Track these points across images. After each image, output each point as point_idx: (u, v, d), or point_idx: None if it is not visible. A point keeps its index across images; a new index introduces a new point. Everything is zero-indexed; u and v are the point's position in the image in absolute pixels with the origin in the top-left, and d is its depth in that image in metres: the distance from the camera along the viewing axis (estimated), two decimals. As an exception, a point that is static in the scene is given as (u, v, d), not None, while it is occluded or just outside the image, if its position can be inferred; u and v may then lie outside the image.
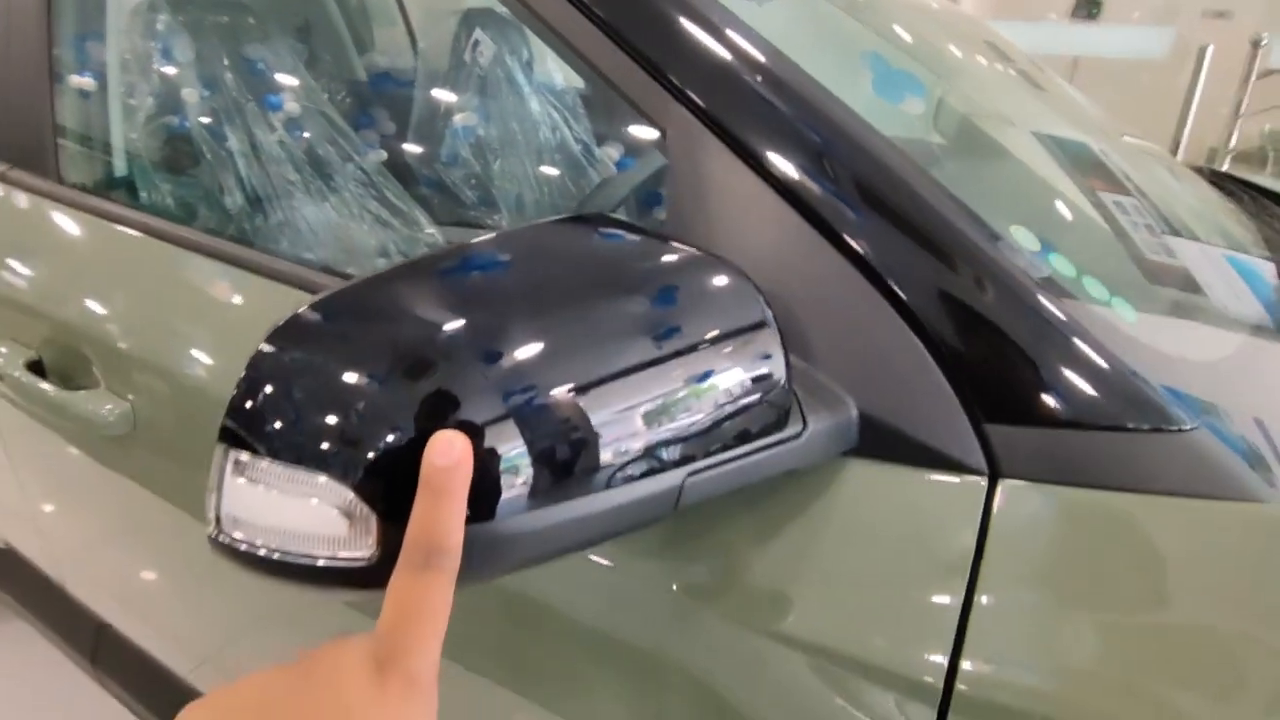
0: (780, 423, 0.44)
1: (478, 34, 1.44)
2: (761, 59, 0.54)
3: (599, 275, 0.42)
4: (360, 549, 0.36)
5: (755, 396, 0.43)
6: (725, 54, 0.54)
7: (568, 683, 0.60)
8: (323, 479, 0.36)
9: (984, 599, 0.44)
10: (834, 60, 0.83)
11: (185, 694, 1.00)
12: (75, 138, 1.04)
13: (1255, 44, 3.38)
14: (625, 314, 0.41)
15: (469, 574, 0.37)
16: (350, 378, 0.36)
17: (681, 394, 0.41)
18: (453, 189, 1.40)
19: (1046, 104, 1.07)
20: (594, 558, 0.55)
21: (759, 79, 0.53)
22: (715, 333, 0.42)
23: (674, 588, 0.52)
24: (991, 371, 0.48)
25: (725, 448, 0.43)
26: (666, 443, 0.41)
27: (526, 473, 0.38)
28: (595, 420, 0.39)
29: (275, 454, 0.36)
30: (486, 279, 0.41)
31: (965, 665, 0.44)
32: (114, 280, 0.88)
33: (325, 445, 0.36)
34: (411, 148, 1.44)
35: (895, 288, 0.49)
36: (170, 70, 1.16)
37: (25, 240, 0.97)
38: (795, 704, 0.48)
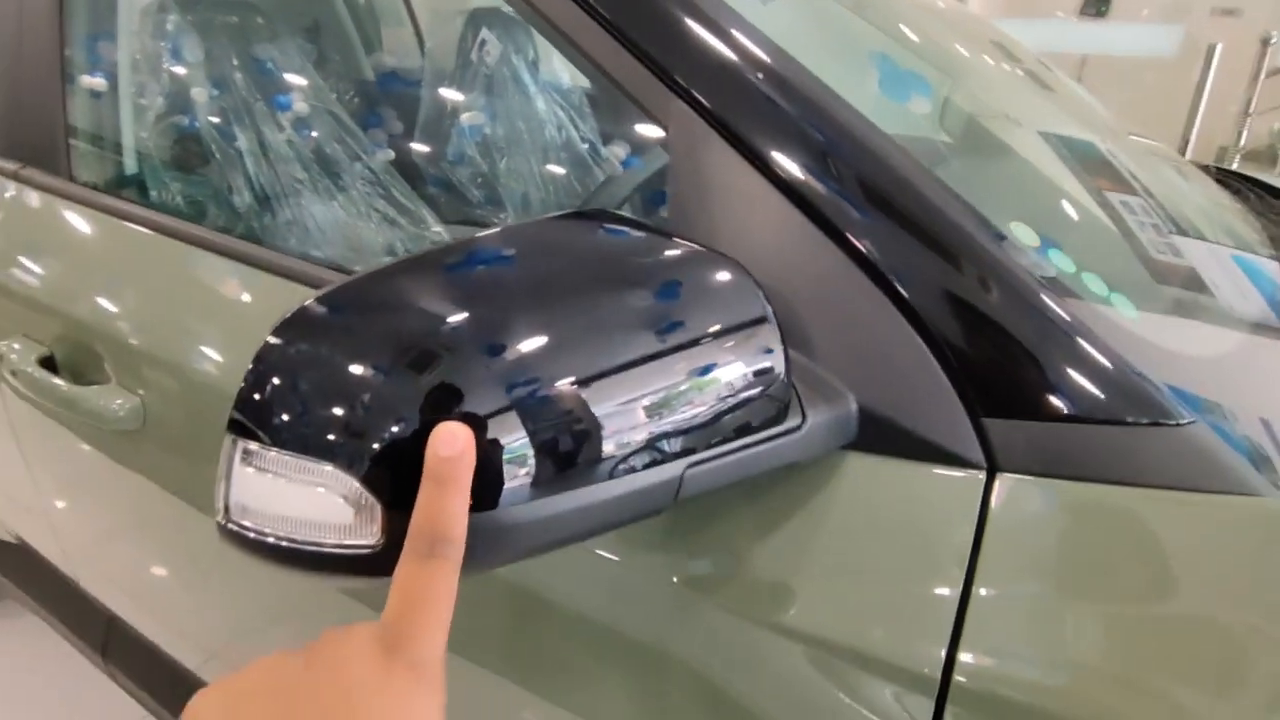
0: (779, 416, 0.45)
1: (484, 34, 1.44)
2: (761, 56, 0.55)
3: (600, 270, 0.43)
4: (365, 537, 0.37)
5: (755, 390, 0.44)
6: (724, 50, 0.55)
7: (570, 676, 0.60)
8: (329, 468, 0.36)
9: (982, 592, 0.45)
10: (839, 59, 0.83)
11: (194, 687, 1.00)
12: (86, 137, 1.05)
13: (1265, 42, 3.37)
14: (626, 308, 0.42)
15: (472, 563, 0.37)
16: (356, 369, 0.37)
17: (681, 387, 0.41)
18: (459, 188, 1.41)
19: (1053, 103, 1.07)
20: (595, 550, 0.55)
21: (758, 75, 0.54)
22: (715, 327, 0.43)
23: (674, 580, 0.53)
24: (990, 366, 0.48)
25: (724, 440, 0.43)
26: (666, 435, 0.41)
27: (528, 463, 0.38)
28: (596, 412, 0.39)
29: (282, 444, 0.37)
30: (490, 273, 0.42)
31: (963, 657, 0.44)
32: (125, 277, 0.89)
33: (331, 435, 0.36)
34: (418, 147, 1.45)
35: (894, 283, 0.49)
36: (180, 70, 1.17)
37: (38, 238, 0.98)
38: (794, 695, 0.49)
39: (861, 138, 0.53)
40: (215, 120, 1.14)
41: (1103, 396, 0.47)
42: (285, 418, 0.37)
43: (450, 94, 1.47)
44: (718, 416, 0.43)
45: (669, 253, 0.45)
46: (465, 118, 1.44)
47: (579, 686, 0.60)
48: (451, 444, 0.35)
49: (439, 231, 1.19)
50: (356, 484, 0.36)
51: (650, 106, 0.56)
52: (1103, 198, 0.80)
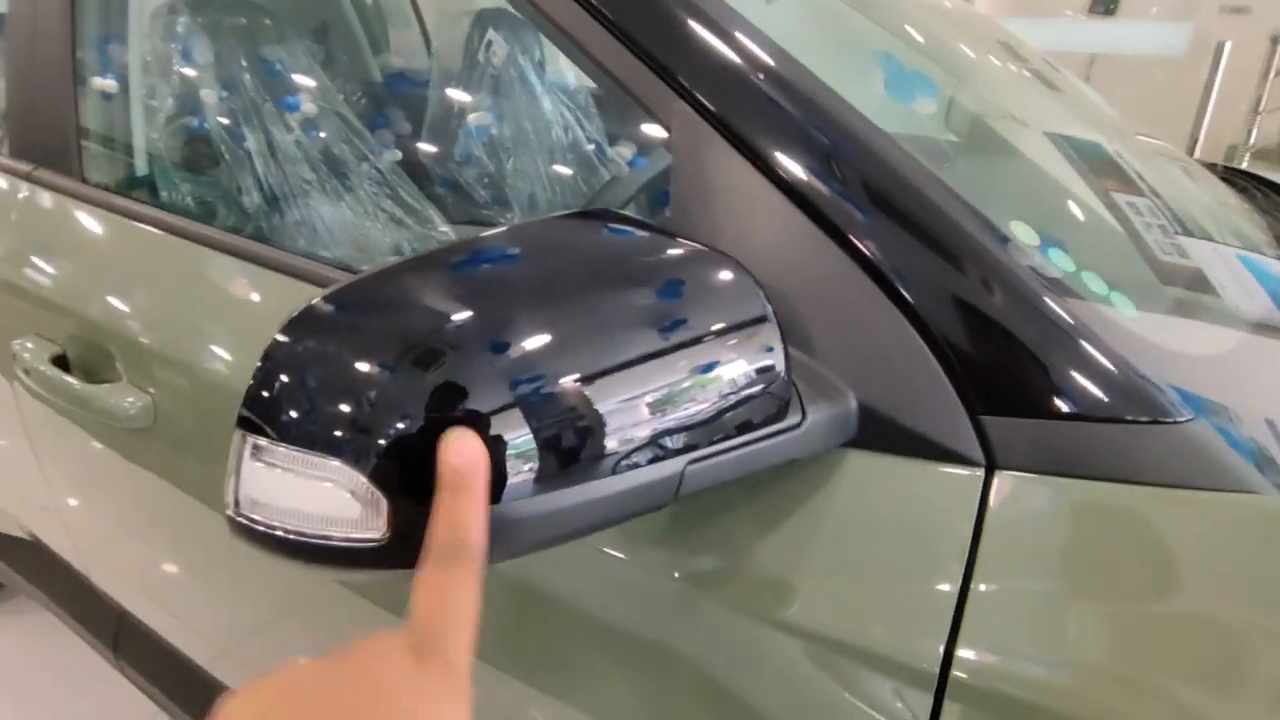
0: (779, 414, 0.45)
1: (490, 34, 1.45)
2: (761, 57, 0.55)
3: (603, 269, 0.44)
4: (372, 530, 0.38)
5: (755, 388, 0.44)
6: (726, 51, 0.55)
7: (573, 671, 0.61)
8: (336, 463, 0.37)
9: (980, 588, 0.45)
10: (844, 59, 0.84)
11: (204, 683, 1.02)
12: (98, 138, 1.06)
13: (1274, 40, 3.35)
14: (628, 307, 0.42)
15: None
16: (362, 366, 0.38)
17: (682, 385, 0.42)
18: (466, 188, 1.42)
19: (1059, 103, 1.07)
20: (597, 547, 0.56)
21: (760, 76, 0.54)
22: (716, 326, 0.43)
23: (676, 576, 0.53)
24: (989, 365, 0.48)
25: (725, 437, 0.44)
26: (667, 431, 0.42)
27: (531, 459, 0.39)
28: (598, 409, 0.40)
29: (290, 440, 0.38)
30: (494, 272, 0.43)
31: (961, 653, 0.45)
32: (135, 277, 0.90)
33: (338, 431, 0.37)
34: (425, 147, 1.46)
35: (894, 283, 0.50)
36: (190, 72, 1.19)
37: (50, 239, 1.00)
38: (794, 690, 0.49)
39: (861, 138, 0.53)
40: (224, 121, 1.15)
41: (1101, 395, 0.47)
42: (293, 414, 0.38)
43: (457, 95, 1.48)
44: (718, 414, 0.43)
45: (671, 252, 0.46)
46: (472, 118, 1.45)
47: (581, 681, 0.61)
48: (462, 450, 0.36)
49: (446, 231, 1.20)
50: (363, 479, 0.37)
51: (653, 107, 0.57)
52: (1109, 198, 0.80)
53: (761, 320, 0.45)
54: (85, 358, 0.92)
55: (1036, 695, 0.43)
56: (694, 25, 0.56)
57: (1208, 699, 0.41)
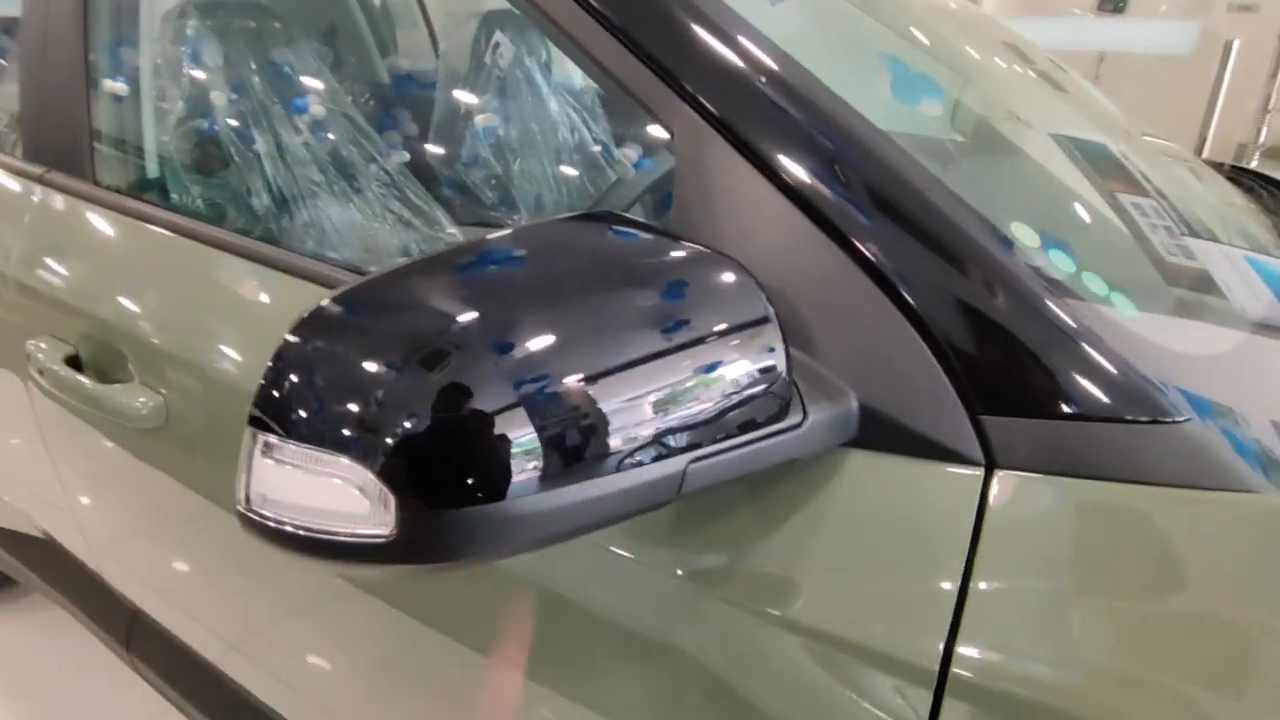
0: (781, 413, 0.46)
1: (498, 36, 1.46)
2: (764, 60, 0.56)
3: (606, 270, 0.45)
4: (379, 526, 0.38)
5: (756, 388, 0.45)
6: (727, 55, 0.56)
7: (576, 667, 0.62)
8: (344, 461, 0.38)
9: (980, 586, 0.46)
10: (849, 62, 0.84)
11: (215, 679, 1.04)
12: (110, 141, 1.08)
13: (1284, 38, 3.32)
14: (631, 308, 0.43)
15: (483, 552, 0.39)
16: (370, 366, 0.39)
17: (684, 385, 0.43)
18: (473, 189, 1.43)
19: (1065, 104, 1.07)
20: (601, 545, 0.57)
21: (762, 79, 0.55)
22: (717, 327, 0.44)
23: (679, 573, 0.54)
24: (989, 365, 0.49)
25: (726, 436, 0.44)
26: (669, 430, 0.42)
27: (536, 457, 0.40)
28: (601, 408, 0.41)
29: (300, 437, 0.38)
30: (499, 273, 0.44)
31: (961, 651, 0.45)
32: (147, 278, 0.92)
33: (346, 430, 0.38)
34: (433, 149, 1.47)
35: (895, 283, 0.50)
36: (200, 75, 1.20)
37: (63, 240, 1.01)
38: (795, 687, 0.50)
39: (862, 141, 0.54)
40: (234, 123, 1.16)
41: (1101, 395, 0.48)
42: (303, 412, 0.38)
43: (464, 96, 1.49)
44: (720, 413, 0.44)
45: (673, 254, 0.46)
46: (479, 120, 1.46)
47: (586, 678, 0.61)
48: None
49: (453, 233, 1.21)
50: (371, 476, 0.38)
51: (656, 110, 0.57)
52: (1114, 200, 0.80)
53: (763, 321, 0.45)
54: (98, 358, 0.93)
55: (1036, 693, 0.43)
56: (696, 28, 0.57)
57: (1207, 697, 0.41)
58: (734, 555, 0.52)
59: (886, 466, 0.50)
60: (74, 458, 1.07)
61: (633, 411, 0.42)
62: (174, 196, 1.11)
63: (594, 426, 0.41)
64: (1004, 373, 0.49)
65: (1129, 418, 0.47)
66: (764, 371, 0.45)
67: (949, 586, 0.46)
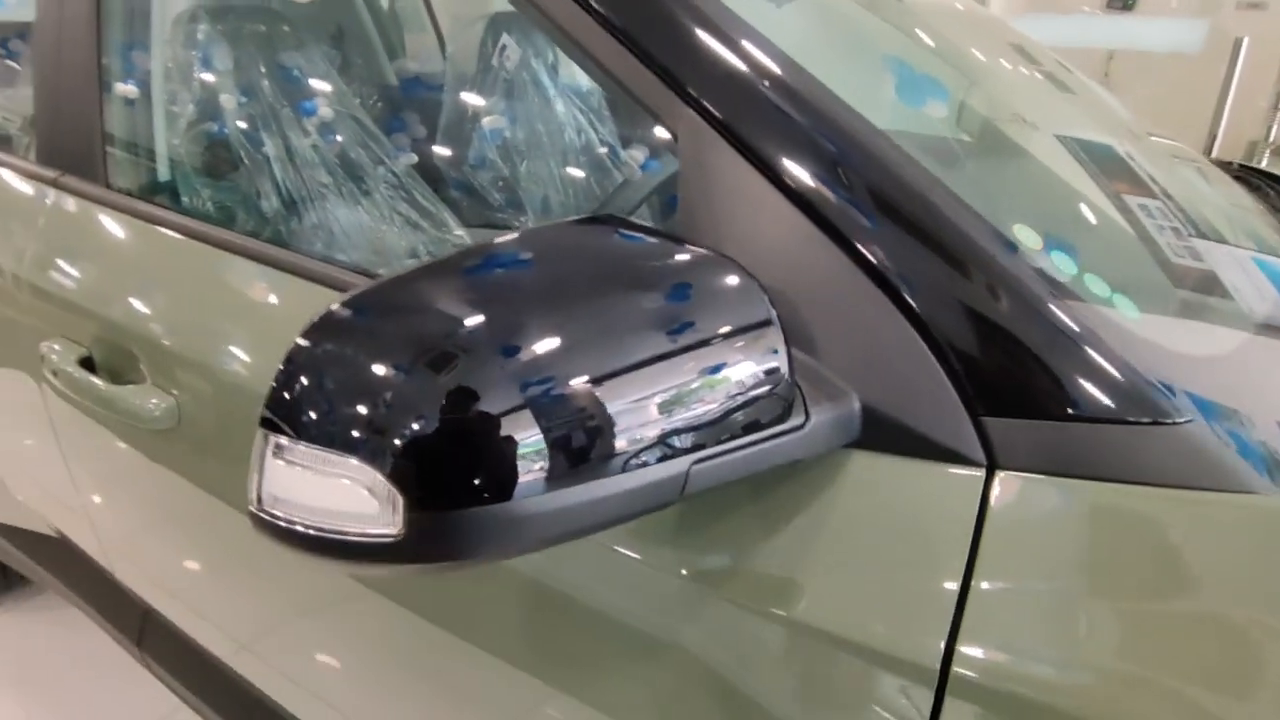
0: (783, 415, 0.47)
1: (504, 39, 1.47)
2: (767, 64, 0.56)
3: (610, 274, 0.45)
4: (388, 526, 0.39)
5: (759, 390, 0.45)
6: (730, 59, 0.56)
7: (580, 665, 0.62)
8: (354, 462, 0.39)
9: (980, 586, 0.46)
10: (854, 64, 0.84)
11: (226, 677, 1.05)
12: (122, 144, 1.09)
13: (1295, 36, 3.30)
14: (634, 311, 0.44)
15: (490, 552, 0.40)
16: (378, 369, 0.39)
17: (687, 387, 0.43)
18: (480, 191, 1.44)
19: (1071, 105, 1.07)
20: (607, 545, 0.57)
21: (764, 83, 0.56)
22: (720, 329, 0.45)
23: (683, 573, 0.54)
24: (990, 366, 0.49)
25: (730, 437, 0.45)
26: (672, 432, 0.43)
27: (542, 458, 0.40)
28: (605, 410, 0.41)
29: (311, 439, 0.39)
30: (505, 277, 0.44)
31: (962, 650, 0.45)
32: (158, 281, 0.93)
33: (356, 431, 0.39)
34: (440, 151, 1.48)
35: (897, 286, 0.51)
36: (210, 78, 1.21)
37: (76, 243, 1.02)
38: (798, 685, 0.50)
39: (865, 144, 0.54)
40: (243, 126, 1.17)
41: (1101, 396, 0.48)
42: (313, 414, 0.39)
43: (471, 99, 1.50)
44: (723, 415, 0.44)
45: (676, 257, 0.47)
46: (486, 122, 1.47)
47: (592, 678, 0.62)
48: None
49: (460, 235, 1.21)
50: (380, 477, 0.39)
51: (660, 114, 0.58)
52: (1120, 201, 0.80)
53: (765, 323, 0.46)
54: (110, 359, 0.94)
55: (1037, 692, 0.44)
56: (700, 31, 0.58)
57: (1206, 696, 0.41)
58: (737, 555, 0.53)
59: (889, 467, 0.50)
60: (87, 458, 1.08)
61: (636, 413, 0.42)
62: (185, 199, 1.13)
63: (598, 428, 0.41)
64: (1005, 374, 0.49)
65: (1130, 419, 0.48)
66: (767, 373, 0.45)
67: (950, 586, 0.47)
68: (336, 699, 0.91)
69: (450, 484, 0.39)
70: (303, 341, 0.41)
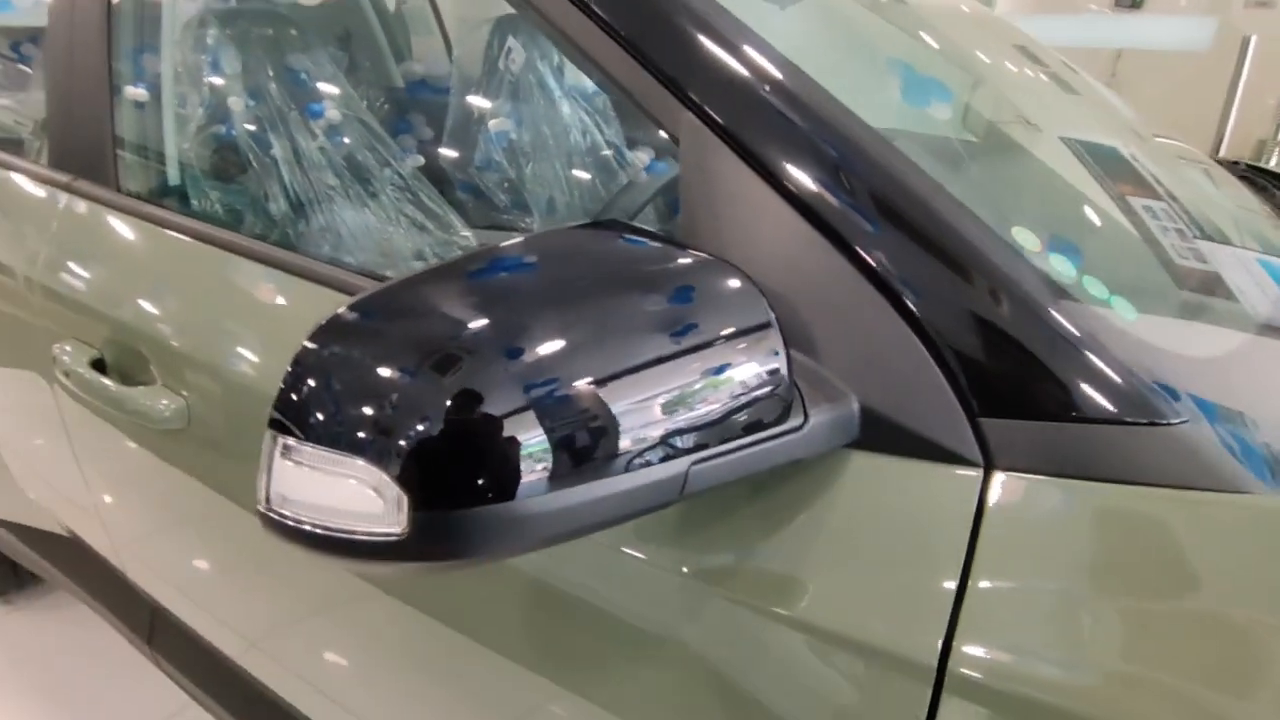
0: (782, 416, 0.47)
1: (510, 42, 1.48)
2: (767, 68, 0.57)
3: (611, 277, 0.46)
4: (393, 525, 0.40)
5: (758, 391, 0.46)
6: (732, 63, 0.57)
7: (582, 662, 0.63)
8: (360, 463, 0.40)
9: (977, 585, 0.47)
10: (858, 67, 0.85)
11: (235, 675, 1.06)
12: (133, 148, 1.10)
13: (1304, 34, 3.28)
14: (635, 314, 0.44)
15: (492, 551, 0.40)
16: (384, 371, 0.40)
17: (686, 388, 0.44)
18: (486, 193, 1.45)
19: (1076, 107, 1.07)
20: (610, 545, 0.58)
21: (765, 88, 0.56)
22: (720, 332, 0.45)
23: (685, 571, 0.55)
24: (987, 367, 0.50)
25: (729, 438, 0.46)
26: (672, 433, 0.44)
27: (545, 458, 0.41)
28: (606, 411, 0.42)
29: (317, 440, 0.40)
30: (509, 281, 0.45)
31: (959, 648, 0.46)
32: (168, 283, 0.94)
33: (362, 432, 0.40)
34: (447, 153, 1.49)
35: (895, 288, 0.51)
36: (219, 81, 1.22)
37: (88, 247, 1.03)
38: (797, 682, 0.51)
39: (864, 147, 0.55)
40: (252, 129, 1.19)
41: (1098, 397, 0.48)
42: (320, 416, 0.40)
43: (477, 101, 1.51)
44: (722, 416, 0.45)
45: (677, 261, 0.48)
46: (492, 124, 1.48)
47: (595, 676, 0.63)
48: None
49: (467, 236, 1.22)
50: (385, 477, 0.40)
51: (662, 118, 0.58)
52: (1125, 203, 0.80)
53: (765, 326, 0.46)
54: (121, 361, 0.95)
55: (1033, 690, 0.44)
56: (701, 37, 0.58)
57: (1200, 693, 0.42)
58: (738, 554, 0.53)
59: (887, 467, 0.51)
60: (98, 458, 1.10)
61: (637, 414, 0.43)
62: (194, 202, 1.14)
63: (599, 429, 0.42)
64: (1002, 375, 0.50)
65: (1126, 419, 0.48)
66: (766, 375, 0.46)
67: (948, 585, 0.47)
68: (343, 696, 0.92)
69: (455, 484, 0.40)
70: (310, 344, 0.41)
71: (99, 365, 0.96)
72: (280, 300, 0.84)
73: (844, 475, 0.51)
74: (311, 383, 0.41)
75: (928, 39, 1.00)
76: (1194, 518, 0.46)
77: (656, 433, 0.43)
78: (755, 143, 0.55)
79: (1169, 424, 0.48)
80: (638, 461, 0.43)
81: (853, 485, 0.51)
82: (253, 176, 1.17)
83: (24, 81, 1.55)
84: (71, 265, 1.02)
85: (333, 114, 1.24)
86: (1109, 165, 0.86)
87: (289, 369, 0.41)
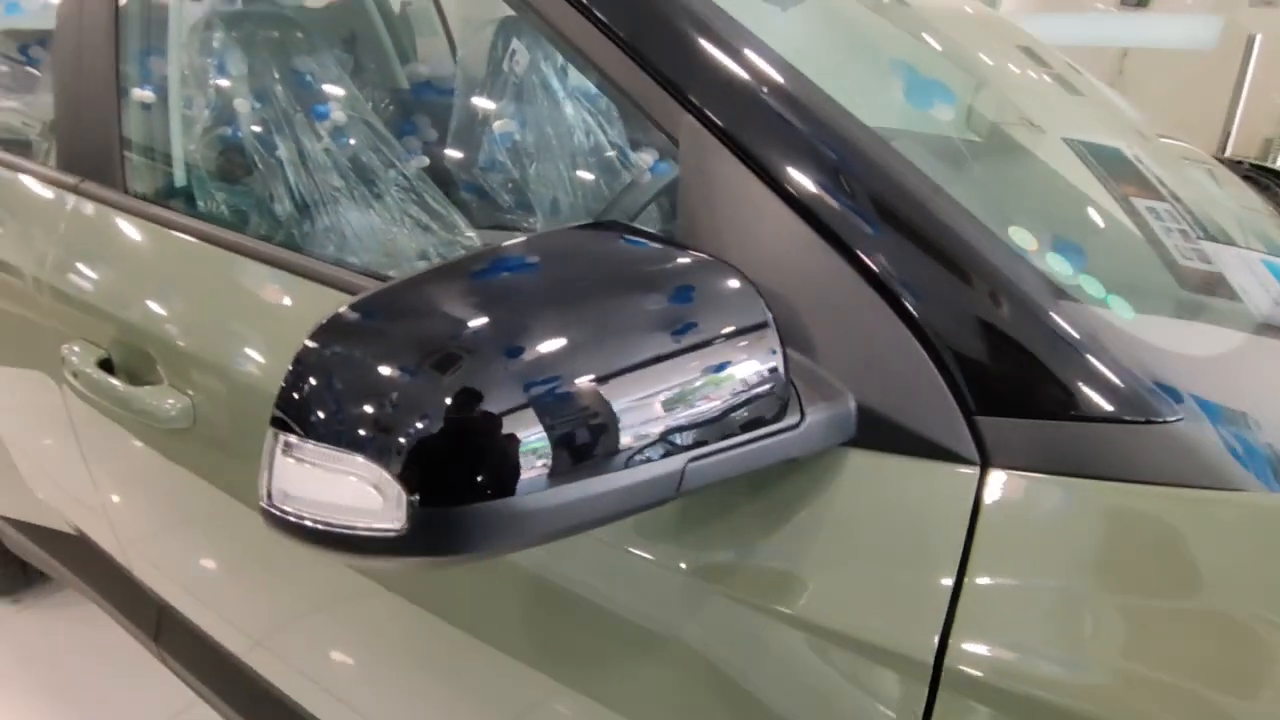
0: (779, 414, 0.48)
1: (514, 43, 1.48)
2: (765, 70, 0.57)
3: (610, 277, 0.46)
4: (393, 521, 0.41)
5: (754, 390, 0.46)
6: (731, 66, 0.57)
7: (581, 659, 0.63)
8: (360, 459, 0.40)
9: (974, 582, 0.47)
10: (860, 68, 0.85)
11: (240, 672, 1.07)
12: (140, 150, 1.11)
13: (1311, 32, 3.26)
14: (634, 313, 0.45)
15: (491, 546, 0.41)
16: (385, 370, 0.41)
17: (683, 386, 0.45)
18: (490, 193, 1.45)
19: (1080, 108, 1.07)
20: (610, 543, 0.58)
21: (764, 89, 0.57)
22: (717, 331, 0.46)
23: (683, 567, 0.55)
24: (983, 366, 0.50)
25: (725, 436, 0.46)
26: (669, 430, 0.44)
27: (544, 455, 0.42)
28: (604, 409, 0.43)
29: (318, 437, 0.41)
30: (509, 280, 0.46)
31: (955, 645, 0.46)
32: (175, 284, 0.95)
33: (362, 430, 0.40)
34: (451, 154, 1.50)
35: (892, 288, 0.51)
36: (225, 84, 1.23)
37: (96, 248, 1.04)
38: (795, 679, 0.51)
39: (860, 148, 0.55)
40: (258, 131, 1.19)
41: (1094, 395, 0.49)
42: (321, 414, 0.41)
43: (481, 102, 1.51)
44: (718, 414, 0.46)
45: (675, 261, 0.48)
46: (496, 125, 1.48)
47: (595, 674, 0.63)
48: None
49: (471, 237, 1.23)
50: (385, 474, 0.40)
51: (662, 120, 0.59)
52: (1128, 204, 0.80)
53: (762, 325, 0.47)
54: (128, 361, 0.96)
55: (1028, 686, 0.44)
56: (700, 39, 0.59)
57: (1194, 689, 0.42)
58: (736, 551, 0.54)
59: (884, 466, 0.51)
60: (106, 457, 1.11)
61: (634, 412, 0.43)
62: (200, 204, 1.15)
63: (597, 426, 0.43)
64: (999, 373, 0.50)
65: (1123, 417, 0.48)
66: (762, 374, 0.46)
67: (944, 582, 0.47)
68: (347, 694, 0.92)
69: (454, 480, 0.41)
70: (311, 343, 0.42)
71: (106, 365, 0.97)
72: (285, 301, 0.85)
73: (842, 473, 0.52)
74: (313, 381, 0.41)
75: (931, 40, 1.00)
76: (1191, 515, 0.46)
77: (653, 430, 0.44)
78: (754, 144, 0.55)
79: (1166, 422, 0.48)
80: (634, 459, 0.44)
81: (850, 483, 0.51)
82: (259, 178, 1.18)
83: (32, 84, 1.57)
84: (79, 266, 1.03)
85: (338, 115, 1.25)
86: (1112, 166, 0.86)
87: (290, 367, 0.42)
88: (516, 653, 0.68)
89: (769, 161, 0.55)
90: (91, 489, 1.16)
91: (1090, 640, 0.44)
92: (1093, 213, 0.78)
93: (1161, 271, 0.72)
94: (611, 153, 1.45)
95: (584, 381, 0.42)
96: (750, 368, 0.46)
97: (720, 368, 0.45)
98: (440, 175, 1.36)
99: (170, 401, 0.89)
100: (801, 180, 0.54)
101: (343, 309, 0.43)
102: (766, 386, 0.47)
